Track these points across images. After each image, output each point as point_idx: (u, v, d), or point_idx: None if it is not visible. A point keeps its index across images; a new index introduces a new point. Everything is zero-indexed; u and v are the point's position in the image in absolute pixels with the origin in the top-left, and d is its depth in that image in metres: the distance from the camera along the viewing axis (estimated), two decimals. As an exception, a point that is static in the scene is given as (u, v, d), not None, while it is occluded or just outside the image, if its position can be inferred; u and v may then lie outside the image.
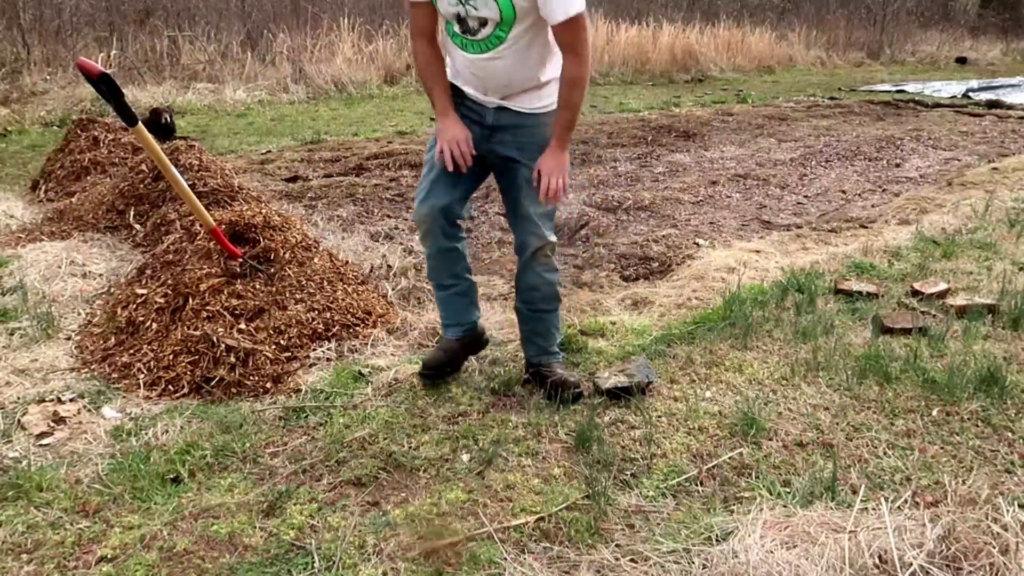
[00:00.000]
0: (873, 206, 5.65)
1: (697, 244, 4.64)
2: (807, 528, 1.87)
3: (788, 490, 2.19)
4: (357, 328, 3.21)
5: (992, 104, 11.27)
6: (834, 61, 18.06)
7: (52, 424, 2.52)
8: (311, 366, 2.96)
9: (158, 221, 4.28)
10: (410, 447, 2.43)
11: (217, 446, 2.38)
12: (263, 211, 3.50)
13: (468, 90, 2.54)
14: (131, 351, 2.93)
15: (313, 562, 1.92)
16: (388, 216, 5.11)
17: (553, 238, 2.64)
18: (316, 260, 3.37)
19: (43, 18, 10.14)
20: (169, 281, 3.14)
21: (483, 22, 2.34)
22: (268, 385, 2.79)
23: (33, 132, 7.80)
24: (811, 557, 1.75)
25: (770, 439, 2.49)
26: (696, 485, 2.26)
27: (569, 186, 2.83)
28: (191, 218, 3.77)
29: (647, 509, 2.14)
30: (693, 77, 14.49)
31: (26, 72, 9.16)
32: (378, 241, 4.56)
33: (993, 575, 1.68)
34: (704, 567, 1.84)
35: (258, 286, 3.15)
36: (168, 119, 6.85)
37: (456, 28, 2.40)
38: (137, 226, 4.36)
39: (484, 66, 2.44)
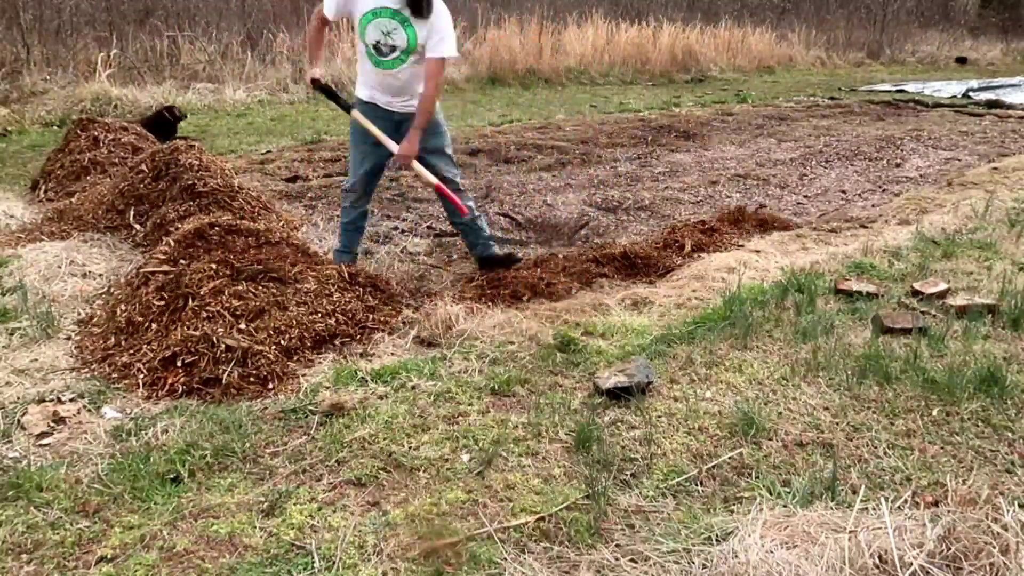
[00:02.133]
0: (873, 206, 5.65)
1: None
2: (807, 528, 1.87)
3: (788, 490, 2.19)
4: (358, 329, 3.21)
5: (992, 104, 11.28)
6: (834, 61, 18.06)
7: (52, 424, 2.52)
8: (312, 366, 2.96)
9: (158, 221, 4.28)
10: (410, 447, 2.42)
11: (217, 446, 2.37)
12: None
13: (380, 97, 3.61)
14: (131, 351, 2.93)
15: (313, 562, 1.92)
16: (388, 216, 5.11)
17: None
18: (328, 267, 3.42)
19: (43, 18, 10.13)
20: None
21: (392, 48, 3.46)
22: (269, 385, 2.79)
23: (33, 132, 7.80)
24: (811, 557, 1.75)
25: (770, 439, 2.49)
26: (696, 485, 2.25)
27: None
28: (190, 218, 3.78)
29: (647, 509, 2.14)
30: (693, 77, 14.49)
31: (26, 72, 9.15)
32: (378, 242, 4.56)
33: (993, 575, 1.68)
34: (704, 567, 1.84)
35: (267, 288, 3.17)
36: (170, 116, 6.86)
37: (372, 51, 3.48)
38: (137, 226, 4.36)
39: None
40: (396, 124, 3.63)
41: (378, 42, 3.44)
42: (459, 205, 3.69)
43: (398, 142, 3.57)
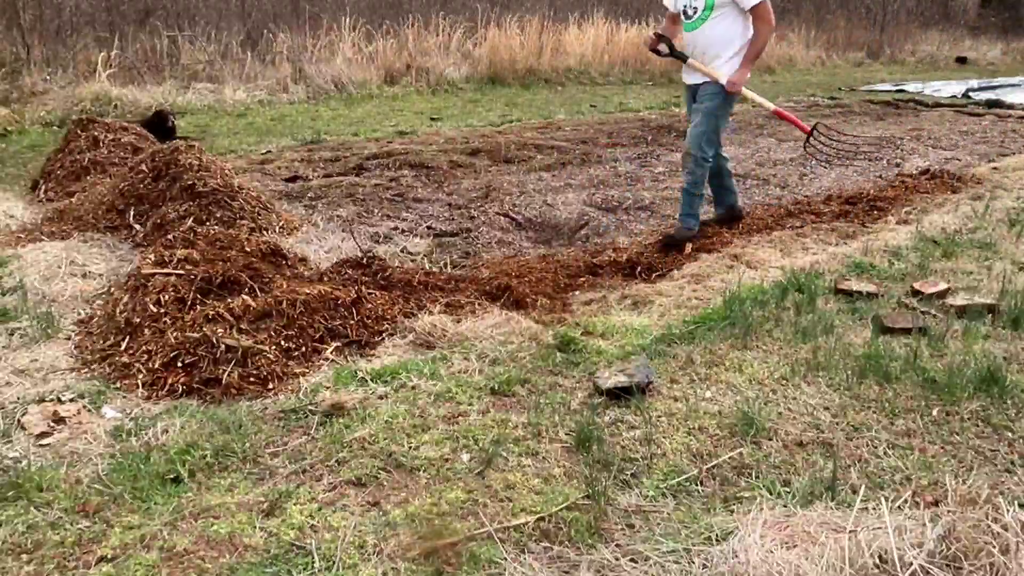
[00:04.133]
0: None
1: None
2: (807, 528, 1.87)
3: (788, 490, 2.19)
4: (358, 330, 3.21)
5: (992, 104, 11.26)
6: (834, 61, 18.05)
7: (52, 424, 2.52)
8: (311, 366, 2.96)
9: (158, 221, 4.28)
10: (410, 447, 2.42)
11: (217, 446, 2.38)
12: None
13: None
14: (131, 351, 2.93)
15: (313, 562, 1.92)
16: (388, 216, 5.11)
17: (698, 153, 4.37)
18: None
19: (43, 18, 10.13)
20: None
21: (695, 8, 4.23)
22: (269, 385, 2.79)
23: (33, 132, 7.80)
24: (811, 557, 1.75)
25: (770, 439, 2.49)
26: (696, 485, 2.25)
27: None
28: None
29: (647, 509, 2.14)
30: (693, 77, 14.46)
31: (26, 72, 9.15)
32: (378, 242, 4.56)
33: (993, 575, 1.68)
34: (704, 567, 1.84)
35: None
36: (172, 122, 6.87)
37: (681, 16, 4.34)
38: (137, 226, 4.36)
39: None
40: (693, 94, 4.40)
41: (685, 8, 4.26)
42: (798, 124, 4.64)
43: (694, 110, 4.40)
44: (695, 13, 4.19)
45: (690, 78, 4.40)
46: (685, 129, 9.22)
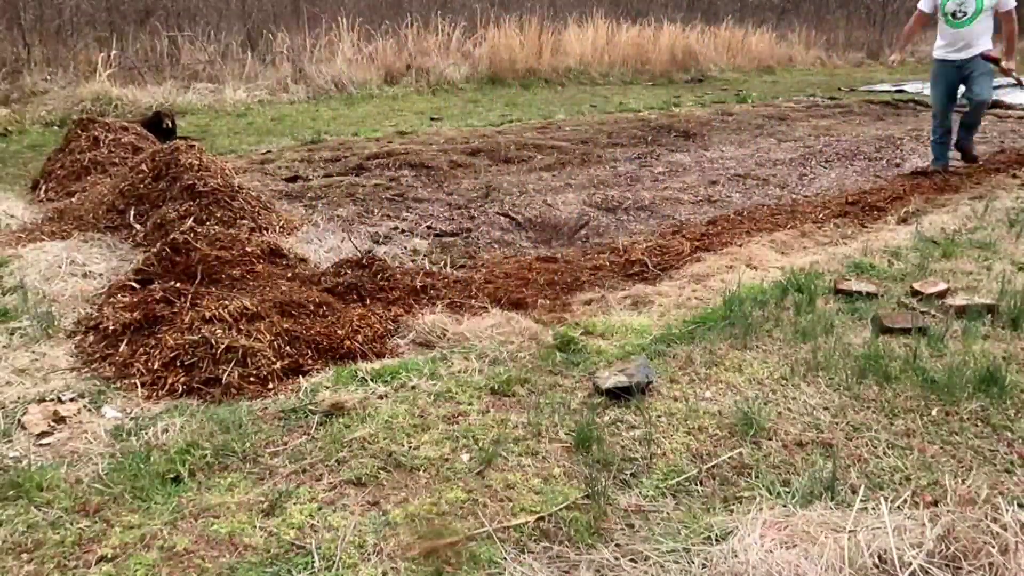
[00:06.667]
0: (873, 206, 5.62)
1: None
2: (807, 528, 1.87)
3: (788, 490, 2.20)
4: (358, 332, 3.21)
5: (992, 104, 11.25)
6: (834, 61, 18.06)
7: (52, 424, 2.52)
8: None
9: (158, 221, 4.28)
10: (410, 447, 2.43)
11: (217, 446, 2.38)
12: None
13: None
14: (131, 351, 2.93)
15: (313, 562, 1.92)
16: (388, 216, 5.11)
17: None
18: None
19: (43, 18, 10.14)
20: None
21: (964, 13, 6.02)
22: (269, 385, 2.79)
23: (33, 132, 7.80)
24: (811, 557, 1.75)
25: (770, 439, 2.49)
26: (696, 485, 2.26)
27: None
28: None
29: (647, 509, 2.14)
30: (693, 77, 14.49)
31: (26, 72, 9.15)
32: (378, 242, 4.56)
33: (993, 575, 1.68)
34: (704, 567, 1.84)
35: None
36: (170, 123, 6.86)
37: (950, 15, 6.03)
38: (137, 226, 4.36)
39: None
40: (959, 70, 6.15)
41: (955, 11, 6.03)
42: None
43: (960, 85, 6.33)
44: (963, 16, 5.82)
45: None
46: (685, 129, 9.26)
